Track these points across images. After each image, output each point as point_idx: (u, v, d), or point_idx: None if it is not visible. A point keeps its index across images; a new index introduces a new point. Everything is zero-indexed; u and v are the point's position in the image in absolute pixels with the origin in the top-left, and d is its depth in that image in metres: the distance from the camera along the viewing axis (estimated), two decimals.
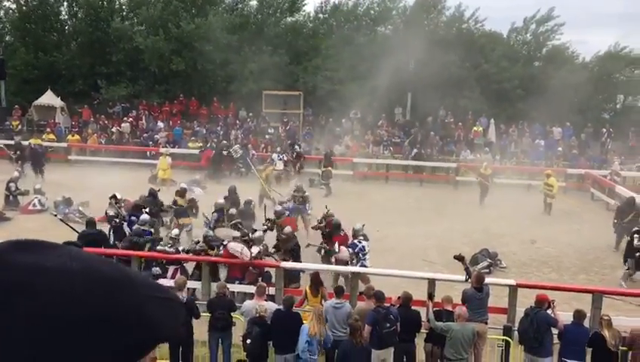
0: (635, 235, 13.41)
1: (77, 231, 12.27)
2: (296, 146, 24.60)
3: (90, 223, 12.37)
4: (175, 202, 15.69)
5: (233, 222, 13.33)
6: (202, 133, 27.61)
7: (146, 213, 13.38)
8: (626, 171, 23.37)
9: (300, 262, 11.71)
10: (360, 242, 11.60)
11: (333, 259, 11.80)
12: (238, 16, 32.67)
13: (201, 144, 25.76)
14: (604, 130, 27.74)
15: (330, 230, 12.40)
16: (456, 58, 27.32)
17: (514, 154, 26.07)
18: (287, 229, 12.15)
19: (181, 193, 16.16)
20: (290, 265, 11.34)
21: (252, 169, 21.20)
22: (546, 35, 32.02)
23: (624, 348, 8.30)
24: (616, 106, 32.29)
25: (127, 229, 13.17)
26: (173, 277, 10.99)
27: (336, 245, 11.61)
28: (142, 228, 12.35)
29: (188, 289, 10.83)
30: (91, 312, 0.75)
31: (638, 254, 13.22)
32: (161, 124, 28.64)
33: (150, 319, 0.80)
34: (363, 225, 12.29)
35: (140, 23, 32.45)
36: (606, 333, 7.95)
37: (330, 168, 21.81)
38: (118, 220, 13.55)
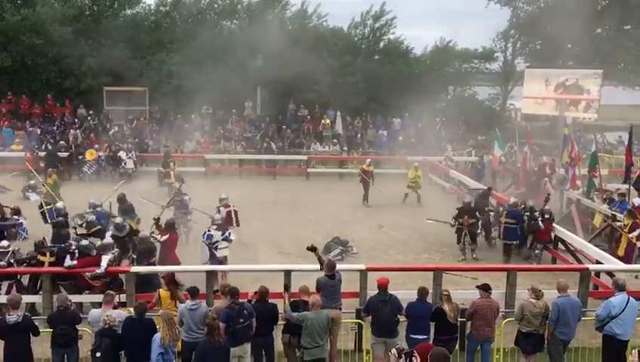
0: (453, 218, 14.83)
1: None
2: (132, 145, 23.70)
3: None
4: None
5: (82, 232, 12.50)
6: (36, 133, 25.42)
7: None
8: (457, 156, 25.60)
9: (154, 265, 11.30)
10: (210, 230, 11.86)
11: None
12: (71, 7, 30.46)
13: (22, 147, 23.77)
14: (438, 119, 30.04)
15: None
16: (301, 52, 27.88)
17: (360, 144, 27.29)
18: (142, 234, 11.89)
19: None
20: (141, 269, 10.88)
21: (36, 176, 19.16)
22: (382, 30, 33.84)
23: (462, 319, 9.08)
24: (447, 97, 35.08)
25: None
26: (8, 292, 10.00)
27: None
28: None
29: (27, 304, 9.99)
30: None
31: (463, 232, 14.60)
32: None
33: None
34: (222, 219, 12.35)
35: None
36: (446, 307, 8.59)
37: (161, 169, 21.15)
38: None
